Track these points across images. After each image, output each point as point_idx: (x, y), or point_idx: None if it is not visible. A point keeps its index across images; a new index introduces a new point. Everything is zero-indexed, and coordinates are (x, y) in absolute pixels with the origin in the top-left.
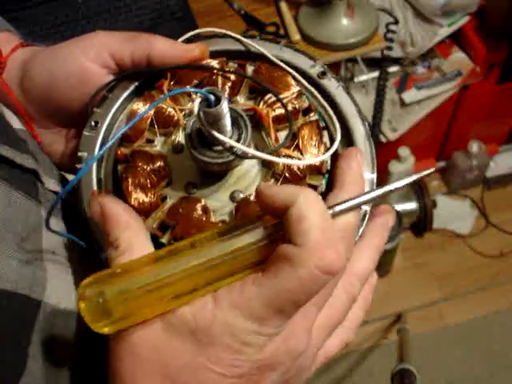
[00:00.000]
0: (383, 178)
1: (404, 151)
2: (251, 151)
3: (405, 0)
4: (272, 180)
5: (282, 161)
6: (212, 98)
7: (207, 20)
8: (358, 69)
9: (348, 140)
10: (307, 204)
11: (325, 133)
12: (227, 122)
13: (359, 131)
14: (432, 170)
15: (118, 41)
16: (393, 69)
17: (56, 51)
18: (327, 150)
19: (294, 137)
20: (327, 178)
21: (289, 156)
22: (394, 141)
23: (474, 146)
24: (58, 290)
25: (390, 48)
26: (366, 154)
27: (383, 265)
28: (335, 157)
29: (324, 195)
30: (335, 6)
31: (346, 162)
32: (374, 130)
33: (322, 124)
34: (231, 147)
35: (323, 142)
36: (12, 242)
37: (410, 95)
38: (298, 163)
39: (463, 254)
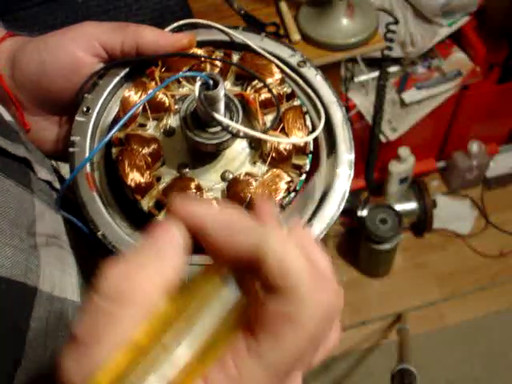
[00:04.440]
0: (383, 177)
1: (404, 151)
2: (246, 130)
3: (405, 0)
4: (259, 160)
5: (273, 139)
6: (211, 81)
7: (207, 20)
8: (358, 69)
9: (327, 124)
10: (282, 248)
11: (307, 117)
12: (222, 105)
13: (337, 116)
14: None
15: (107, 31)
16: (393, 69)
17: (46, 40)
18: (310, 132)
19: (279, 121)
20: (311, 158)
21: (278, 137)
22: (394, 141)
23: (474, 146)
24: (52, 277)
25: (390, 48)
26: (344, 137)
27: (383, 265)
28: (316, 139)
29: (308, 174)
30: (335, 5)
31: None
32: (374, 129)
33: (304, 109)
34: (227, 127)
35: (306, 125)
36: (6, 229)
37: (410, 95)
38: (286, 141)
39: (463, 254)
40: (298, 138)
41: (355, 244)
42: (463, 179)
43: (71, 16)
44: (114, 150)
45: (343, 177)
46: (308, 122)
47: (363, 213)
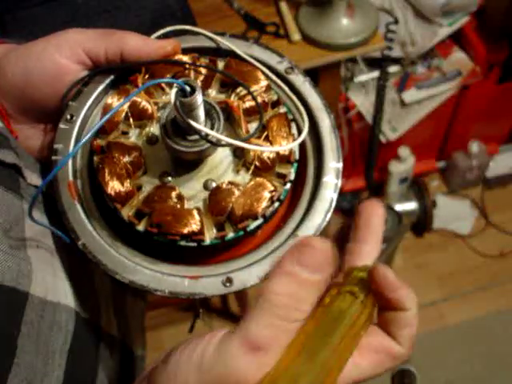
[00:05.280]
0: (383, 177)
1: (404, 151)
2: (225, 138)
3: (405, 0)
4: (243, 169)
5: (253, 147)
6: (187, 88)
7: (207, 20)
8: (358, 69)
9: (314, 132)
10: (416, 313)
11: (293, 124)
12: (201, 112)
13: (325, 123)
14: None
15: (91, 38)
16: (393, 69)
17: (29, 48)
18: (295, 140)
19: (263, 128)
20: (296, 167)
21: (259, 146)
22: (394, 141)
23: (474, 146)
24: (44, 281)
25: (390, 48)
26: (331, 145)
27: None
28: (304, 147)
29: (293, 183)
30: (335, 5)
31: (368, 219)
32: (374, 129)
33: (290, 116)
34: (206, 135)
35: (291, 133)
36: None
37: (410, 95)
38: (267, 149)
39: (463, 254)
40: (282, 146)
41: None
42: (463, 179)
43: (71, 16)
44: (95, 158)
45: (330, 186)
46: (294, 130)
47: None
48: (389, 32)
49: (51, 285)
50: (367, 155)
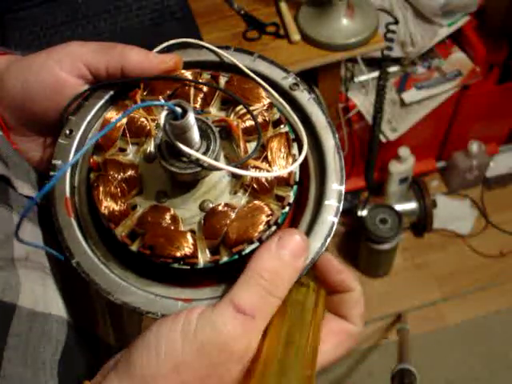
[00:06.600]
0: (383, 177)
1: (404, 151)
2: (216, 164)
3: (405, 0)
4: (241, 190)
5: (245, 173)
6: (179, 110)
7: (207, 20)
8: (358, 69)
9: (318, 152)
10: (361, 292)
11: (294, 144)
12: (195, 133)
13: (329, 143)
14: None
15: (92, 51)
16: (393, 69)
17: (30, 61)
18: (295, 161)
19: (263, 148)
20: (295, 190)
21: (257, 167)
22: (394, 141)
23: (474, 146)
24: (34, 293)
25: (390, 48)
26: (335, 166)
27: (383, 265)
28: (306, 167)
29: (292, 205)
30: (335, 5)
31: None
32: (374, 129)
33: (291, 136)
34: (197, 159)
35: (292, 154)
36: None
37: (410, 95)
38: (263, 175)
39: (463, 254)
40: (281, 167)
41: (355, 244)
42: (463, 179)
43: (71, 16)
44: (91, 175)
45: (331, 210)
46: (295, 150)
47: (363, 213)
48: (389, 32)
49: (42, 296)
50: (367, 155)
